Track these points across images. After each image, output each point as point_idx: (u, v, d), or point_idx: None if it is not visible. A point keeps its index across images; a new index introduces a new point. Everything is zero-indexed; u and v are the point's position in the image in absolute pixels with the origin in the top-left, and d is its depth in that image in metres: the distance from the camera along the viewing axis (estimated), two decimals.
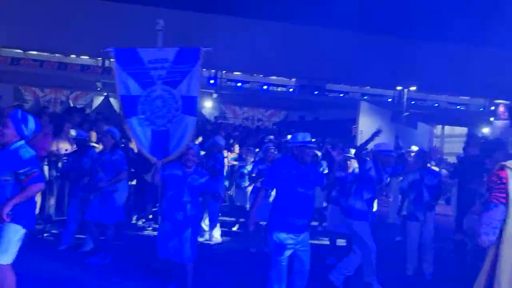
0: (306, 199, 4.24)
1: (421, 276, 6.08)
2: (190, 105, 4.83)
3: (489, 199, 2.11)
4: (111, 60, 5.19)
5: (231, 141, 10.99)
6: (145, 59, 4.86)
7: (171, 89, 4.85)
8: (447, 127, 34.25)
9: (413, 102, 29.53)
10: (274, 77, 29.48)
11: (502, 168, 2.13)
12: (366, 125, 22.54)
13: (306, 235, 4.31)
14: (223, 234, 7.58)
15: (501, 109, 28.48)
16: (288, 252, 4.19)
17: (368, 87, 29.95)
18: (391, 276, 5.60)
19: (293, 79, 30.05)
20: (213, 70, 28.28)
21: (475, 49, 25.45)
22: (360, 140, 20.70)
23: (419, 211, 6.10)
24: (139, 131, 4.88)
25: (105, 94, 22.59)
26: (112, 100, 19.46)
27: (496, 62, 24.68)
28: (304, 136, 4.30)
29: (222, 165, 7.46)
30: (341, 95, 29.93)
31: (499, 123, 26.38)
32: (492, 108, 30.61)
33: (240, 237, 7.94)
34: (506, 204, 2.07)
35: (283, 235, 4.14)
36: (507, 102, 27.07)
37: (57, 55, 27.45)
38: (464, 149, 6.95)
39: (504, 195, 2.07)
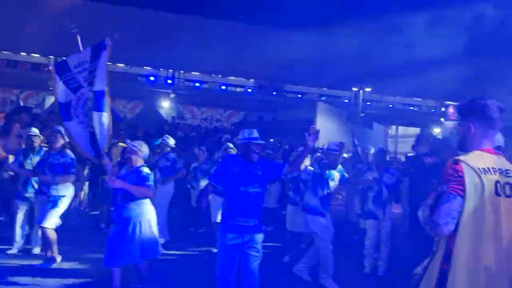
0: (248, 197, 4.00)
1: (375, 272, 6.21)
2: (99, 100, 4.55)
3: (447, 191, 2.17)
4: (64, 58, 5.12)
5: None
6: (71, 65, 4.82)
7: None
8: (401, 128, 35.26)
9: (368, 103, 30.25)
10: (232, 78, 29.42)
11: (456, 162, 2.20)
12: (324, 125, 22.95)
13: (257, 237, 4.03)
14: (182, 235, 7.48)
15: (451, 110, 29.71)
16: (233, 254, 3.98)
17: (325, 88, 30.43)
18: (346, 273, 5.68)
19: (252, 80, 30.09)
20: (170, 70, 27.92)
21: (428, 53, 26.33)
22: (317, 140, 21.17)
23: (378, 209, 6.23)
24: (76, 135, 4.78)
25: None
26: None
27: (446, 65, 25.66)
28: (250, 133, 4.14)
29: (173, 163, 7.36)
30: (299, 96, 30.26)
31: (449, 124, 27.49)
32: (443, 109, 31.90)
33: (198, 238, 7.90)
34: (463, 196, 2.13)
35: (229, 236, 3.97)
36: (456, 104, 28.24)
37: (6, 52, 26.28)
38: (413, 147, 7.22)
39: (461, 187, 2.15)
